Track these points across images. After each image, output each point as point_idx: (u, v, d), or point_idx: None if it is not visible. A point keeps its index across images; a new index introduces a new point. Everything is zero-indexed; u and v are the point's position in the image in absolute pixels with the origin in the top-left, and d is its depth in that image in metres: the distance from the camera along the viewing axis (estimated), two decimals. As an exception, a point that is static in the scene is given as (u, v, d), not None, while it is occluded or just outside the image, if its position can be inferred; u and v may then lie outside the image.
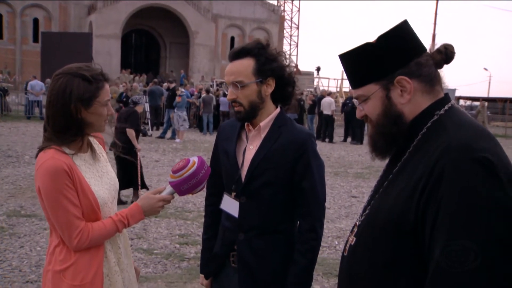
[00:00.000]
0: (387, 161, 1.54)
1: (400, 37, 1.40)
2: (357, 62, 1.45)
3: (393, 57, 1.39)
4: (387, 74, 1.40)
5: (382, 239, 1.36)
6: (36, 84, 19.49)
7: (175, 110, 15.13)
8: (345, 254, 1.52)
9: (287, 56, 2.13)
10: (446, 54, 1.41)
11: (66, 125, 1.82)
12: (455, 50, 1.42)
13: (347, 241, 1.54)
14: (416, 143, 1.39)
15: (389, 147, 1.46)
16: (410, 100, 1.40)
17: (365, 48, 1.42)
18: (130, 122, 7.19)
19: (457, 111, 1.41)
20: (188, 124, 15.83)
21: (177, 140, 14.92)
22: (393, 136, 1.43)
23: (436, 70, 1.43)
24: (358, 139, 17.18)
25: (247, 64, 2.01)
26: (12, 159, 10.32)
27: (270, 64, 2.02)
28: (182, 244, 5.48)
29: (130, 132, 7.20)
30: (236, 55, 2.04)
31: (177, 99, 15.15)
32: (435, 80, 1.42)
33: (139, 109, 7.57)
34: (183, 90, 16.33)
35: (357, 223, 1.52)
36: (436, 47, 1.43)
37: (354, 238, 1.48)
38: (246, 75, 2.00)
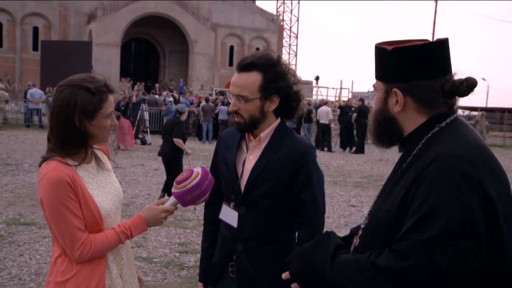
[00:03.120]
0: (388, 170, 1.61)
1: (410, 56, 1.45)
2: (377, 58, 1.55)
3: (396, 70, 1.48)
4: (389, 81, 1.51)
5: (380, 241, 1.43)
6: (36, 92, 19.50)
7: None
8: None
9: (295, 73, 2.10)
10: (458, 87, 1.44)
11: (70, 137, 1.82)
12: (474, 89, 1.45)
13: (352, 243, 1.61)
14: (416, 152, 1.45)
15: (380, 139, 1.61)
16: (403, 112, 1.50)
17: (381, 51, 1.52)
18: (175, 131, 7.73)
19: (459, 124, 1.47)
20: None
21: None
22: (381, 133, 1.58)
23: (442, 96, 1.46)
24: (359, 149, 17.17)
25: (253, 79, 1.99)
26: (11, 167, 10.32)
27: (277, 82, 2.00)
28: (182, 252, 5.48)
29: (178, 141, 7.71)
30: (245, 67, 2.01)
31: (162, 107, 15.56)
32: (437, 105, 1.47)
33: (183, 117, 8.13)
34: (170, 99, 16.39)
35: (361, 226, 1.60)
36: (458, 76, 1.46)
37: (358, 240, 1.57)
38: (251, 91, 1.99)
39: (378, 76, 1.56)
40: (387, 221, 1.41)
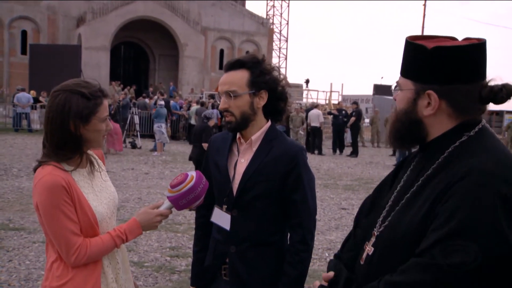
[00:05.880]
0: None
1: (452, 58, 1.35)
2: (409, 55, 1.44)
3: (436, 71, 1.37)
4: (424, 82, 1.39)
5: (400, 253, 1.36)
6: (23, 96, 19.37)
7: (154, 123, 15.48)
8: (362, 262, 1.51)
9: (281, 71, 2.17)
10: (496, 94, 1.35)
11: (64, 141, 1.82)
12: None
13: (364, 250, 1.53)
14: (441, 161, 1.37)
15: (400, 141, 1.49)
16: (434, 115, 1.39)
17: (419, 48, 1.39)
18: (204, 137, 8.02)
19: (487, 134, 1.39)
20: (165, 136, 15.76)
21: (154, 153, 14.79)
22: (403, 135, 1.46)
23: (478, 103, 1.37)
24: (354, 152, 17.22)
25: (241, 76, 2.05)
26: (0, 171, 10.23)
27: (264, 76, 2.06)
28: (173, 256, 5.47)
29: (206, 146, 7.84)
30: (232, 66, 2.08)
31: (153, 110, 15.65)
32: (472, 112, 1.38)
33: (211, 123, 8.48)
34: (161, 102, 16.39)
35: (374, 232, 1.50)
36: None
37: (372, 248, 1.48)
38: (240, 86, 2.04)
39: (409, 74, 1.43)
40: (408, 235, 1.33)
